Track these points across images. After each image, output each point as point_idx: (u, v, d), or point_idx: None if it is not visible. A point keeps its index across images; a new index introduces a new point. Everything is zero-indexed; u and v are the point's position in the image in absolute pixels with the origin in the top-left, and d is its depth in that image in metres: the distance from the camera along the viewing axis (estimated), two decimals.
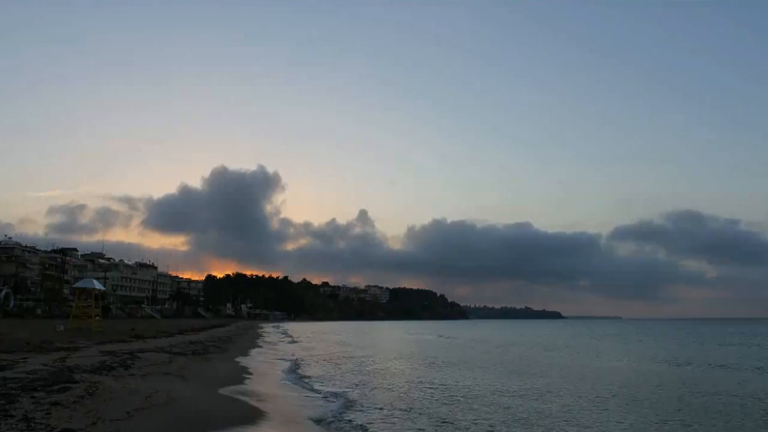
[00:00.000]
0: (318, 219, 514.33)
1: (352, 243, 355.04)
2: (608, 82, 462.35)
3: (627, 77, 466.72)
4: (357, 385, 20.06)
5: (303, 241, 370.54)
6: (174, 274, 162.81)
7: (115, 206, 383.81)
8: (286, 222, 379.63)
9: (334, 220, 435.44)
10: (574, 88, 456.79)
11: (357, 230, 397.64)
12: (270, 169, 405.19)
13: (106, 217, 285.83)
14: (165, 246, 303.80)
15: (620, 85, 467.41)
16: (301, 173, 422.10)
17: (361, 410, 14.52)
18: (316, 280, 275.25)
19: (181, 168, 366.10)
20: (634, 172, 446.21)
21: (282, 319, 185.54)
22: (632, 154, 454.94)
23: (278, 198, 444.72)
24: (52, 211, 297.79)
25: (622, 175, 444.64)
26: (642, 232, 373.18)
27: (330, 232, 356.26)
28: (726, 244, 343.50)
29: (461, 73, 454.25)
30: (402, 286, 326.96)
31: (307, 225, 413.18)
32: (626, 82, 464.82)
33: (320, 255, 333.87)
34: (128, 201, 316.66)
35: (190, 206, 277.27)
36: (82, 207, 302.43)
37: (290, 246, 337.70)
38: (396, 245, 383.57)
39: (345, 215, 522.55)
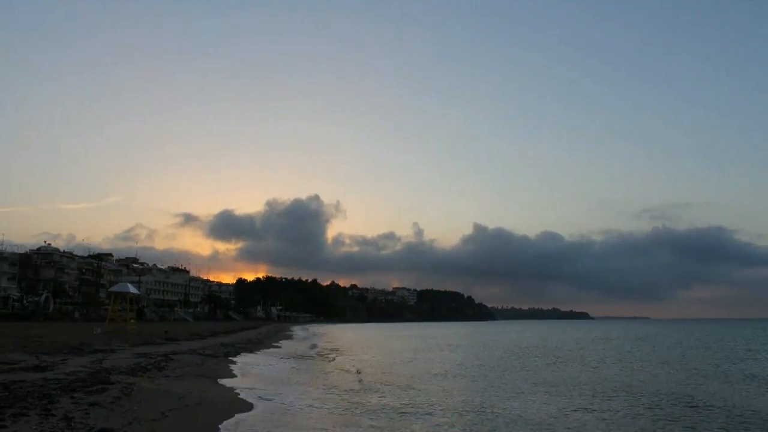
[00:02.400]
0: (372, 232, 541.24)
1: (398, 251, 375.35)
2: (632, 89, 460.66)
3: (646, 85, 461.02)
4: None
5: (349, 249, 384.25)
6: (205, 277, 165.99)
7: (176, 221, 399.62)
8: (338, 236, 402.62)
9: (391, 232, 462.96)
10: (601, 97, 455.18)
11: (403, 240, 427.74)
12: (326, 192, 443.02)
13: (171, 231, 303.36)
14: (218, 251, 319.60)
15: (647, 91, 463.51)
16: (355, 193, 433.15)
17: None
18: (344, 283, 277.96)
19: (245, 188, 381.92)
20: (659, 181, 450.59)
21: (310, 321, 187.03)
22: (659, 162, 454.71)
23: (332, 215, 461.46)
24: (109, 223, 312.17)
25: (649, 184, 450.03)
26: (669, 237, 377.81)
27: (381, 242, 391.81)
28: (747, 254, 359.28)
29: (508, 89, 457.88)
30: (434, 288, 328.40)
31: (354, 236, 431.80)
32: (652, 88, 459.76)
33: (364, 261, 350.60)
34: (185, 216, 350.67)
35: (245, 221, 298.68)
36: (150, 229, 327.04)
37: (334, 254, 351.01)
38: (438, 252, 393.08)
39: (400, 229, 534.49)
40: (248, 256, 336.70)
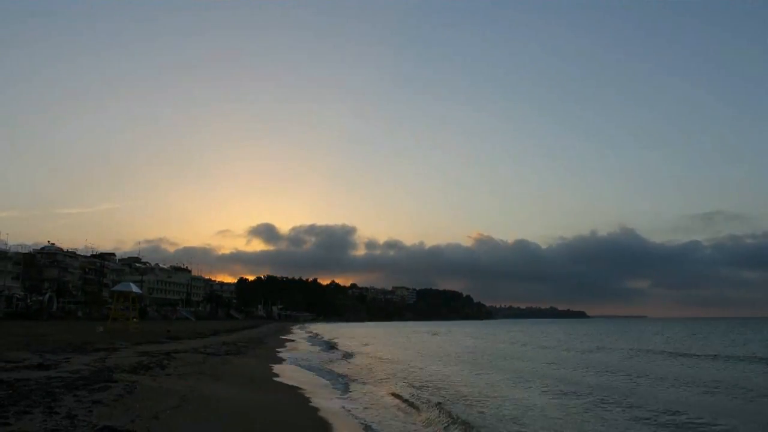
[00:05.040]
0: (375, 234, 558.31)
1: (398, 252, 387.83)
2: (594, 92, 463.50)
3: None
4: None
5: (351, 251, 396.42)
6: (207, 276, 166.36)
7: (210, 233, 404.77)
8: (344, 240, 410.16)
9: (394, 235, 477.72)
10: (596, 104, 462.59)
11: (404, 242, 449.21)
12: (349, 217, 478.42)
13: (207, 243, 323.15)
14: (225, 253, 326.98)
15: (622, 92, 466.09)
16: (361, 197, 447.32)
17: None
18: (344, 283, 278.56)
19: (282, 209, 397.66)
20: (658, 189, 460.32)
21: (311, 320, 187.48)
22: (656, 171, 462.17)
23: (353, 230, 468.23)
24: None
25: (647, 193, 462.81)
26: (668, 242, 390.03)
27: (382, 244, 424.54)
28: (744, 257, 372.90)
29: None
30: (433, 287, 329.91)
31: (371, 243, 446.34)
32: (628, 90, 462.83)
33: (364, 262, 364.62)
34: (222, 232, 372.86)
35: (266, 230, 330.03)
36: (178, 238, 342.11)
37: (337, 256, 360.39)
38: (438, 253, 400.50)
39: (402, 231, 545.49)
40: (255, 259, 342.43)
